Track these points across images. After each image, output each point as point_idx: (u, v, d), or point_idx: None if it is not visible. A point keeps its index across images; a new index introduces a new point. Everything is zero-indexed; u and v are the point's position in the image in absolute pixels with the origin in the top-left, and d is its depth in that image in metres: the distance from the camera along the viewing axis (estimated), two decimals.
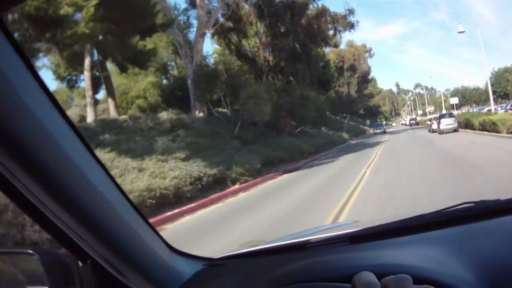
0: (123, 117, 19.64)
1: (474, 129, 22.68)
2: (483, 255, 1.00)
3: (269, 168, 17.47)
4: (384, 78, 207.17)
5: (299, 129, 27.78)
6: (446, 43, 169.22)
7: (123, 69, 23.81)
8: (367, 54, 68.90)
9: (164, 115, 20.57)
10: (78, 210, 0.85)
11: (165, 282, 1.13)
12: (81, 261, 1.02)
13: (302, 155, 21.31)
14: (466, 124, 25.38)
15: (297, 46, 32.33)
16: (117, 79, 33.26)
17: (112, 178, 0.96)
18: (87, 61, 19.65)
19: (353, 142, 35.16)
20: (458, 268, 0.97)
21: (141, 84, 33.03)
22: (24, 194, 0.81)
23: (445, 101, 60.37)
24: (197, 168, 12.24)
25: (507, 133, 17.26)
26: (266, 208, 9.12)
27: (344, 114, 57.47)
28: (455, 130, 25.79)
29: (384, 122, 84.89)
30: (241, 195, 12.32)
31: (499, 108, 29.29)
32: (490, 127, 19.29)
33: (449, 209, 1.23)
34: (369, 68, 68.98)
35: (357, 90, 63.42)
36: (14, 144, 0.71)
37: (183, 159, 13.07)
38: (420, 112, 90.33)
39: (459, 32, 28.38)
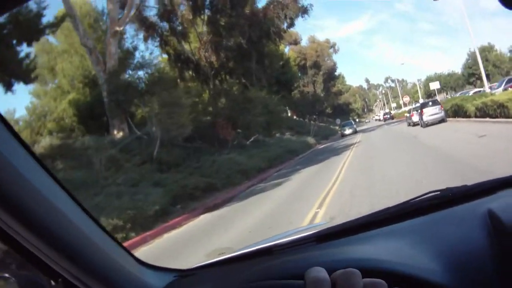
0: None
1: (469, 117, 17.45)
2: (448, 241, 0.99)
3: (188, 203, 11.83)
4: (354, 75, 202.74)
5: (251, 139, 22.13)
6: (413, 34, 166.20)
7: (7, 86, 18.25)
8: (331, 50, 64.53)
9: (47, 140, 14.93)
10: (46, 234, 0.87)
11: None
12: (53, 280, 1.01)
13: (246, 175, 15.59)
14: (455, 112, 20.11)
15: (242, 42, 27.47)
16: (44, 101, 28.94)
17: (78, 202, 0.98)
18: None
19: (321, 146, 29.33)
20: (423, 257, 0.96)
21: (61, 104, 27.84)
22: None
23: (420, 89, 55.90)
24: None
25: None
26: None
27: (314, 116, 52.17)
28: (442, 120, 20.77)
29: (357, 120, 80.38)
30: None
31: (490, 89, 24.19)
32: (495, 112, 13.99)
33: (415, 200, 1.23)
34: (335, 64, 64.58)
35: (323, 88, 58.61)
36: None
37: None
38: (393, 105, 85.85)
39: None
